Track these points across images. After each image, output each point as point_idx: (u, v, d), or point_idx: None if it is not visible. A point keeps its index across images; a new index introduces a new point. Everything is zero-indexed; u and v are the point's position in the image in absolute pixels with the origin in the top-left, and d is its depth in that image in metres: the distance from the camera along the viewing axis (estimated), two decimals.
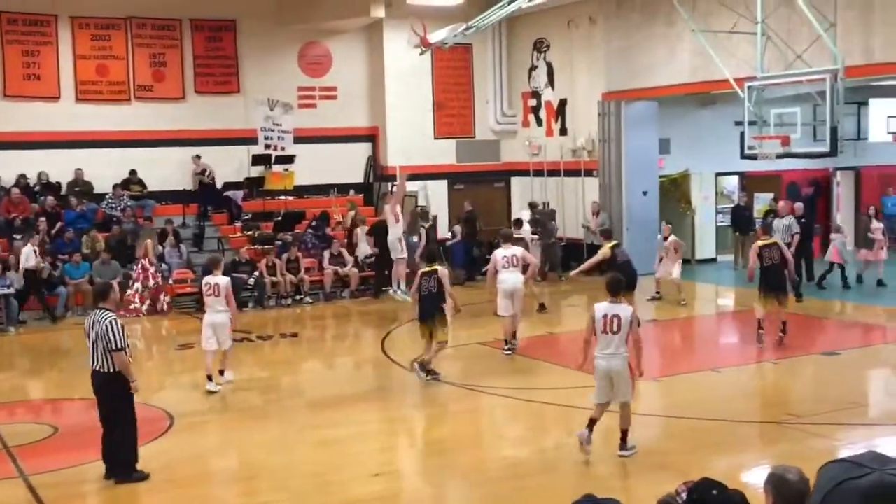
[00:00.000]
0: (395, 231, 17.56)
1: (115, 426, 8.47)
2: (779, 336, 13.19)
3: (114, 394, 8.44)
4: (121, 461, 8.48)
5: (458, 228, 18.15)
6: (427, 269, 12.13)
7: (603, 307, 8.84)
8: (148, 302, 17.73)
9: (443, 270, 12.08)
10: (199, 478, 8.95)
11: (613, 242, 14.71)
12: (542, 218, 20.90)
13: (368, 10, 20.40)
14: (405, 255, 17.63)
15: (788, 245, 16.88)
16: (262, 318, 17.26)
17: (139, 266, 17.84)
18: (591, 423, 8.87)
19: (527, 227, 19.93)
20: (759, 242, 13.67)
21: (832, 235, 18.35)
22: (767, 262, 13.37)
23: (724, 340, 15.60)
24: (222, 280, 11.84)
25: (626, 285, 9.36)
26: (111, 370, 8.34)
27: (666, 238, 17.04)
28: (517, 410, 10.97)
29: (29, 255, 17.13)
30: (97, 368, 8.40)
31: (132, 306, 17.56)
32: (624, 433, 8.92)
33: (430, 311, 11.94)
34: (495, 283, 13.45)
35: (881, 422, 10.35)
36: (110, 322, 8.32)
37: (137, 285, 17.74)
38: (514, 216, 23.12)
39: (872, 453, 2.46)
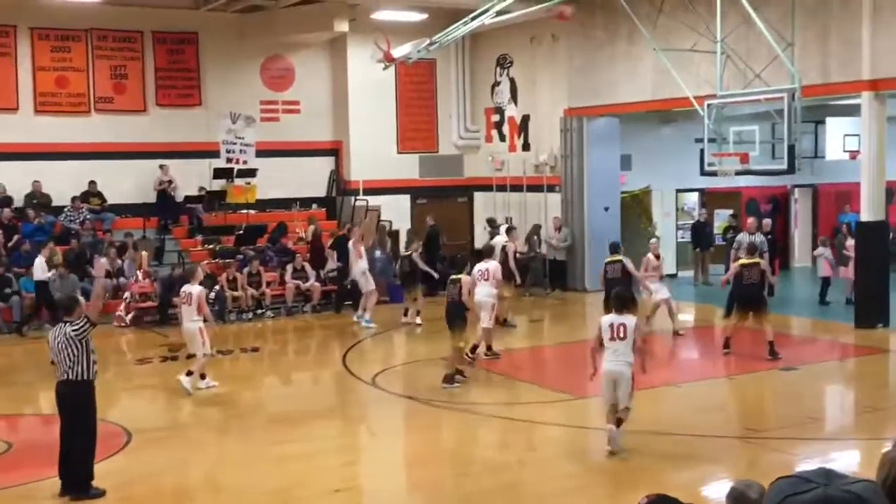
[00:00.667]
0: (360, 265, 17.62)
1: (76, 440, 8.34)
2: (767, 358, 13.27)
3: (77, 404, 8.35)
4: (77, 477, 8.36)
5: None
6: (454, 276, 12.81)
7: (609, 318, 9.53)
8: (133, 313, 17.71)
9: (465, 279, 12.64)
10: (157, 495, 8.83)
11: (613, 257, 14.60)
12: (530, 233, 20.95)
13: (332, 24, 20.40)
14: (373, 286, 17.58)
15: None
16: (223, 333, 17.07)
17: (133, 277, 17.96)
18: (618, 422, 9.34)
19: (500, 239, 20.08)
20: (743, 261, 13.89)
21: (818, 250, 18.26)
22: (747, 280, 13.58)
23: (684, 356, 15.70)
24: (195, 290, 12.30)
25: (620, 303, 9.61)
26: (77, 378, 8.29)
27: (658, 256, 15.90)
28: (479, 426, 10.97)
29: (42, 267, 17.10)
30: (63, 378, 8.36)
31: (118, 313, 17.52)
32: (619, 421, 9.37)
33: (453, 316, 12.54)
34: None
35: (837, 436, 10.48)
36: (75, 327, 8.32)
37: (128, 294, 17.73)
38: (477, 229, 23.27)
39: (823, 469, 2.50)
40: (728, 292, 17.14)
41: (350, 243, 17.96)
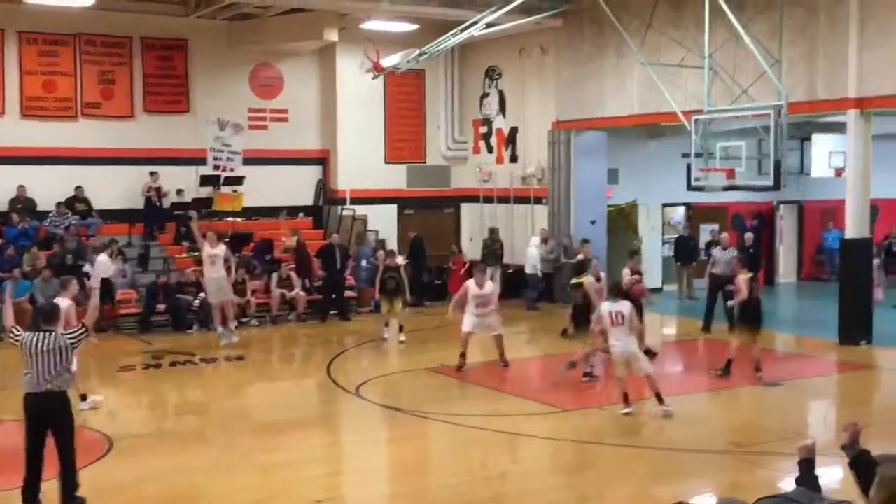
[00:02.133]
0: (208, 272, 16.73)
1: (65, 453, 8.03)
2: (757, 375, 13.13)
3: (69, 414, 8.12)
4: (68, 489, 8.15)
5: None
6: (576, 281, 13.35)
7: (607, 306, 11.32)
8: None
9: (588, 282, 13.19)
10: (138, 503, 8.77)
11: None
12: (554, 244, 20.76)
13: (321, 33, 20.41)
14: (218, 301, 16.74)
15: (732, 278, 17.11)
16: (207, 341, 17.03)
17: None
18: (625, 396, 11.20)
19: (532, 251, 20.06)
20: (746, 276, 13.31)
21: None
22: (755, 294, 13.23)
23: (667, 370, 15.70)
24: (63, 304, 11.11)
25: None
26: (59, 389, 7.99)
27: (598, 279, 14.20)
28: (463, 437, 10.93)
29: (106, 266, 17.34)
30: (42, 389, 7.94)
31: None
32: (657, 394, 11.18)
33: (579, 319, 13.49)
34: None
35: (820, 453, 10.47)
36: (71, 335, 8.10)
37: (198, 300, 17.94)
38: (464, 239, 23.31)
39: (804, 490, 2.53)
40: (706, 306, 17.27)
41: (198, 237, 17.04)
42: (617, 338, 11.18)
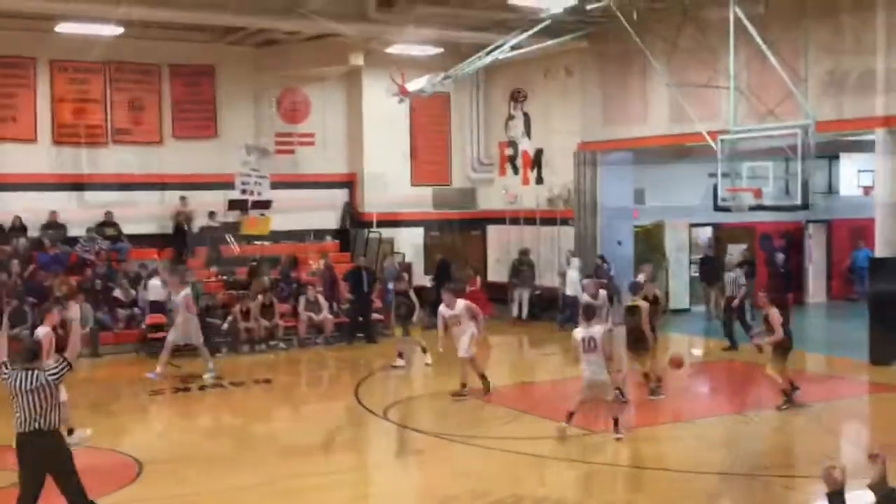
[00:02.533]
0: (179, 320, 15.56)
1: (77, 489, 7.66)
2: (795, 395, 12.93)
3: (64, 451, 7.72)
4: None
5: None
6: (631, 303, 13.23)
7: (580, 332, 11.12)
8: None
9: (644, 304, 13.09)
10: None
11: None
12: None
13: (347, 58, 20.59)
14: (174, 338, 15.59)
15: (733, 298, 17.09)
16: (235, 364, 17.12)
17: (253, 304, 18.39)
18: (569, 415, 11.16)
19: (573, 273, 19.90)
20: (775, 312, 12.78)
21: None
22: (785, 327, 12.88)
23: (697, 391, 15.60)
24: (40, 332, 10.72)
25: None
26: (50, 427, 7.60)
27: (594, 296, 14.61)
28: (490, 460, 10.90)
29: (158, 289, 17.84)
30: (31, 429, 7.55)
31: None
32: (615, 420, 11.13)
33: (637, 341, 13.16)
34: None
35: (852, 475, 10.35)
36: (52, 372, 7.68)
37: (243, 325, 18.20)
38: (490, 261, 23.30)
39: None
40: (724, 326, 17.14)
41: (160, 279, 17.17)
42: (588, 363, 11.06)
